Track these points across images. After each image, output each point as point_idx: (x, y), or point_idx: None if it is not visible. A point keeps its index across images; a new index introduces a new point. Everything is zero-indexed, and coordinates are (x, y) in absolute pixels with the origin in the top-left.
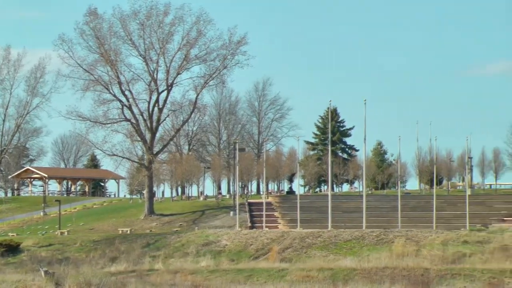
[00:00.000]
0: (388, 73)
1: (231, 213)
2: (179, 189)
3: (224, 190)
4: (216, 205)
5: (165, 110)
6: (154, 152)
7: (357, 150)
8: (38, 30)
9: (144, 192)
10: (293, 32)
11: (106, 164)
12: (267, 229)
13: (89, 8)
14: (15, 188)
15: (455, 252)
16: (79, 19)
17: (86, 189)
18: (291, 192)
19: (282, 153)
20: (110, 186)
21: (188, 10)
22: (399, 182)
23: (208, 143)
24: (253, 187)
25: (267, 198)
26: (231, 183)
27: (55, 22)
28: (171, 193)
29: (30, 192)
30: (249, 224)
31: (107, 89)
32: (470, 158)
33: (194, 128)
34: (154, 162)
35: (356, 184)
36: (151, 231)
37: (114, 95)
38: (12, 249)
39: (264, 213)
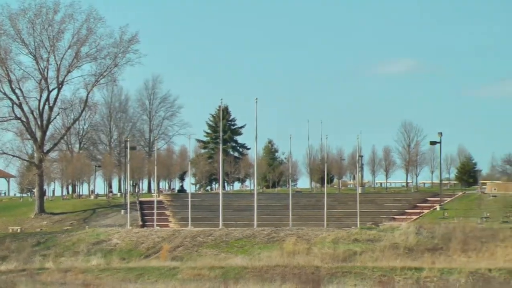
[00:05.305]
0: (280, 71)
1: (122, 211)
2: (70, 188)
3: (115, 189)
4: (107, 203)
5: (55, 109)
6: (45, 151)
7: (248, 149)
8: None
9: (35, 190)
10: (183, 30)
11: None
12: (158, 227)
13: None
14: None
15: (345, 250)
16: None
17: None
18: (182, 190)
19: (173, 151)
20: (0, 184)
21: (78, 8)
22: (290, 180)
23: (99, 141)
24: (144, 185)
25: (158, 196)
26: (122, 182)
27: None
28: (62, 191)
29: None
30: (140, 223)
31: None
32: (361, 156)
33: (85, 127)
34: (44, 160)
35: (247, 182)
36: (41, 229)
37: (4, 93)
38: None
39: (155, 211)
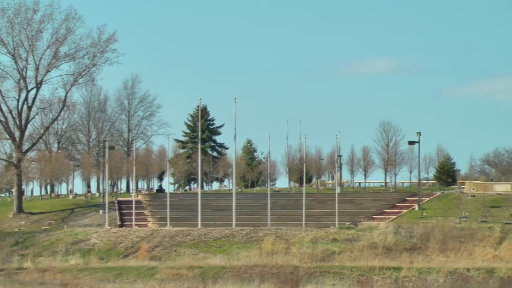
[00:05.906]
0: (259, 71)
1: (101, 211)
2: (49, 188)
3: (93, 189)
4: (86, 203)
5: (34, 108)
6: (23, 150)
7: (227, 148)
8: None
9: (13, 190)
10: (162, 30)
11: None
12: (136, 227)
13: None
14: None
15: (324, 250)
16: None
17: None
18: (160, 190)
19: (152, 151)
20: None
21: (58, 8)
22: (268, 180)
23: (78, 141)
24: (123, 185)
25: (137, 196)
26: (100, 181)
27: None
28: (40, 191)
29: None
30: (119, 223)
31: None
32: (340, 156)
33: (64, 126)
34: (23, 160)
35: (226, 182)
36: (20, 229)
37: None
38: None
39: (133, 211)
